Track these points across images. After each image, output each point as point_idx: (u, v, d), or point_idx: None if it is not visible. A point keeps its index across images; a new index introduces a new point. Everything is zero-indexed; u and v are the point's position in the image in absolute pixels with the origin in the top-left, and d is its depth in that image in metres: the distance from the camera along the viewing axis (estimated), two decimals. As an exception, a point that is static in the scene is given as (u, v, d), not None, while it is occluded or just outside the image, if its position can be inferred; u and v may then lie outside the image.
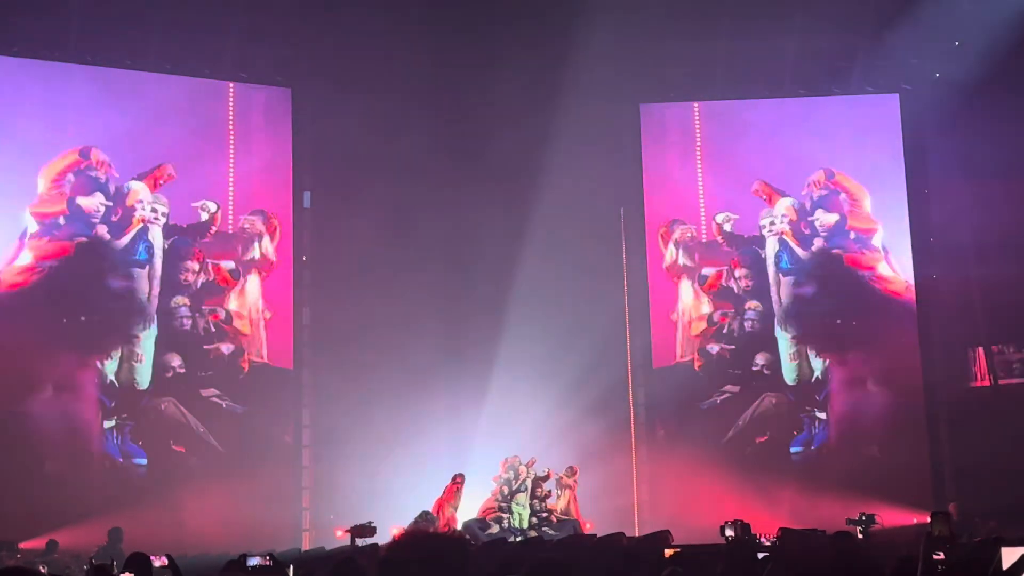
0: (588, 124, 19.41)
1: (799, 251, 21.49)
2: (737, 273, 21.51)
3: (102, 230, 19.58)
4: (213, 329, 19.99)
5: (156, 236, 19.88)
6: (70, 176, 19.43)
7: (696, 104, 21.15)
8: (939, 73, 20.27)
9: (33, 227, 18.72)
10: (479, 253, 20.06)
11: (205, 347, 19.80)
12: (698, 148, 21.19)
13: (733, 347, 21.14)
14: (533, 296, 19.55)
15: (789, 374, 20.89)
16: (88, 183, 19.43)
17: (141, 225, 19.76)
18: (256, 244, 20.21)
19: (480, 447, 19.29)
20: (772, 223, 21.63)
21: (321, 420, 19.91)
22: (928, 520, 14.40)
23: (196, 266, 20.04)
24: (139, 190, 19.69)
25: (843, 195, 21.58)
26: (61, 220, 19.24)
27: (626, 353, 20.60)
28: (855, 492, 18.31)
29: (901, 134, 20.58)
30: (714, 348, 21.28)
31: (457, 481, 17.93)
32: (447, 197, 20.00)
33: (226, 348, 20.08)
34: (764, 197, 21.78)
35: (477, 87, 19.69)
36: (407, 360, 19.44)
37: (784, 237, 21.56)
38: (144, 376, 19.24)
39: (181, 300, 19.88)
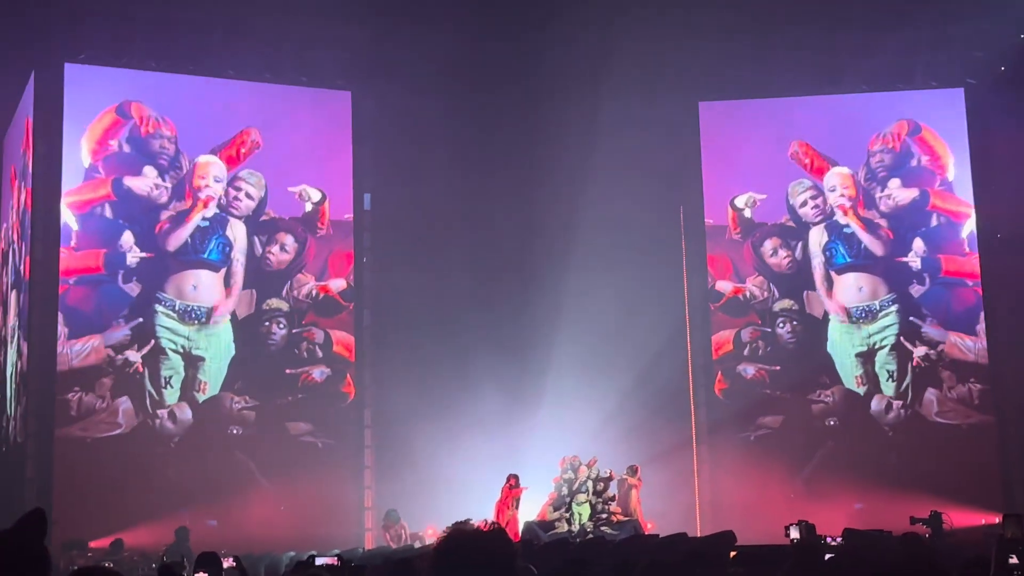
0: (648, 121, 19.38)
1: (864, 237, 18.30)
2: (767, 245, 18.22)
3: (163, 217, 17.35)
4: (320, 353, 18.32)
5: (236, 230, 17.79)
6: (116, 144, 17.43)
7: (755, 101, 20.90)
8: (1004, 67, 19.90)
9: (73, 224, 17.13)
10: (538, 251, 20.09)
11: (288, 371, 18.09)
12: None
13: (778, 367, 18.59)
14: (592, 294, 19.49)
15: (852, 386, 18.87)
16: (135, 158, 17.35)
17: (215, 213, 17.49)
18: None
19: (539, 446, 19.26)
20: (814, 200, 18.71)
21: (382, 420, 20.00)
22: (997, 521, 14.10)
23: (289, 244, 17.56)
24: (209, 164, 17.66)
25: (922, 160, 18.68)
26: (106, 210, 17.25)
27: (687, 352, 20.46)
28: (921, 492, 17.99)
29: (967, 129, 20.19)
30: (748, 370, 18.78)
31: (511, 482, 17.92)
32: (505, 197, 20.04)
33: (319, 372, 18.43)
34: (805, 163, 18.99)
35: (536, 87, 19.70)
36: (467, 360, 19.51)
37: (842, 217, 18.34)
38: (210, 408, 17.79)
39: (277, 303, 17.77)
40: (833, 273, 18.93)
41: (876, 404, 19.02)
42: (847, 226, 18.61)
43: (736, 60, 20.25)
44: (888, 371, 18.60)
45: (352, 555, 15.33)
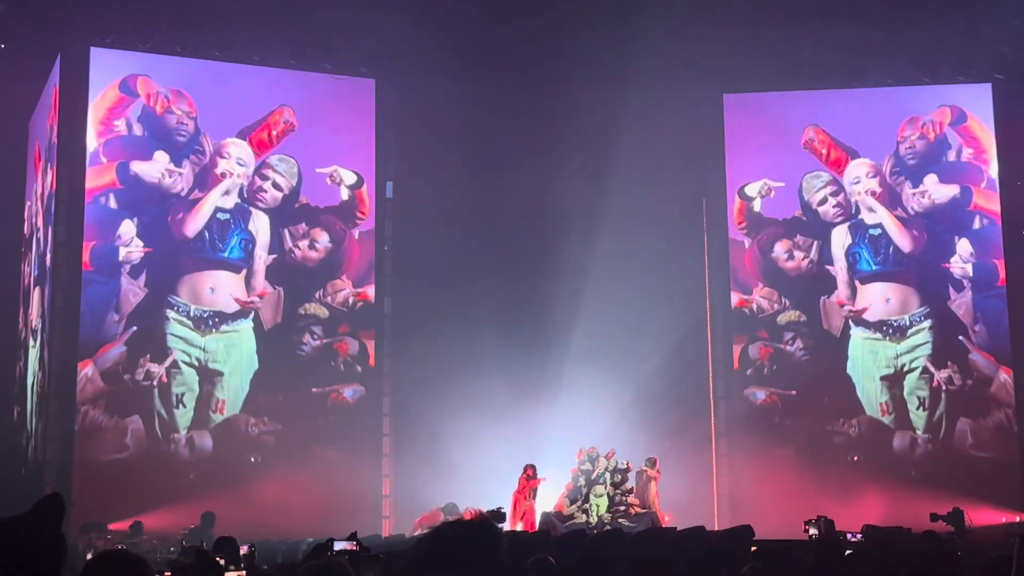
0: (671, 113, 19.31)
1: (896, 238, 16.04)
2: (778, 249, 16.09)
3: (174, 209, 15.29)
4: (359, 368, 16.66)
5: (260, 224, 15.94)
6: (122, 124, 15.54)
7: (779, 94, 20.73)
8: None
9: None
10: (559, 240, 20.07)
11: (315, 389, 16.26)
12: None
13: (793, 392, 16.28)
14: (613, 285, 19.50)
15: (877, 415, 16.62)
16: (146, 141, 15.41)
17: (236, 203, 15.62)
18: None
19: (557, 437, 19.28)
20: (835, 198, 16.71)
21: (401, 409, 20.04)
22: (1019, 520, 13.95)
23: (322, 243, 15.40)
24: (231, 144, 15.89)
25: (963, 153, 16.51)
26: (110, 200, 15.35)
27: (707, 344, 20.39)
28: (940, 489, 17.84)
29: (993, 124, 19.99)
30: (758, 395, 16.88)
31: (528, 473, 17.94)
32: (527, 185, 20.05)
33: (351, 392, 16.73)
34: (821, 152, 17.13)
35: (560, 78, 19.66)
36: (486, 349, 19.52)
37: (868, 215, 16.20)
38: (227, 434, 16.05)
39: (314, 308, 15.85)
40: (857, 281, 16.90)
41: (899, 441, 17.06)
42: (875, 226, 16.55)
43: (761, 52, 20.13)
44: (919, 397, 16.48)
45: (371, 542, 15.39)
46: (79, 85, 18.06)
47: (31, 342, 17.87)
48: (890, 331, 16.09)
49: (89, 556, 12.46)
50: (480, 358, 19.51)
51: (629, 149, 19.24)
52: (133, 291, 15.09)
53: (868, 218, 16.55)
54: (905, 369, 16.41)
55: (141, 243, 15.31)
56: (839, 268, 16.71)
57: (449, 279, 19.52)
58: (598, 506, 17.78)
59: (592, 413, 19.20)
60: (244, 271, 15.65)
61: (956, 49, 19.85)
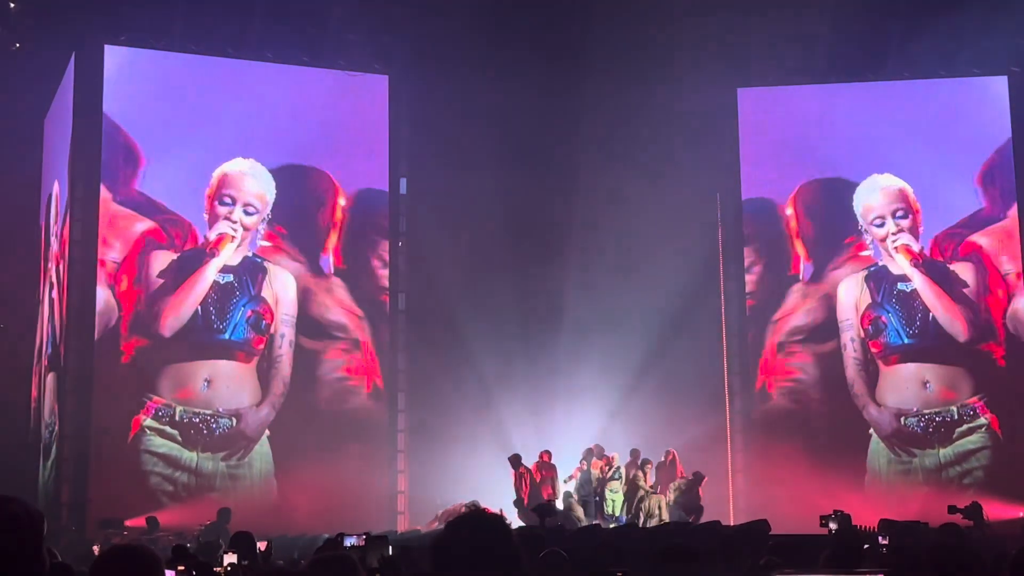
0: (686, 107, 19.27)
1: (930, 299, 10.44)
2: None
3: (154, 264, 10.35)
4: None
5: (280, 283, 10.89)
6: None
7: (796, 88, 20.63)
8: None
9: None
10: (574, 238, 20.07)
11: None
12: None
13: None
14: (628, 283, 19.50)
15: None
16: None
17: (245, 257, 10.64)
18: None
19: (569, 433, 19.30)
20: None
21: (415, 405, 20.08)
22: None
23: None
24: (243, 176, 11.51)
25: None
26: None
27: (722, 338, 20.37)
28: (954, 484, 17.71)
29: (1010, 117, 19.85)
30: None
31: (543, 458, 17.97)
32: (542, 180, 20.06)
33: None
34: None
35: (573, 73, 19.64)
36: (500, 343, 19.56)
37: (893, 263, 10.99)
38: None
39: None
40: (880, 361, 11.96)
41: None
42: (905, 278, 11.40)
43: (775, 47, 20.05)
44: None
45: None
46: (94, 84, 18.03)
47: (43, 447, 14.59)
48: (930, 430, 11.25)
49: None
50: (496, 353, 19.55)
51: (645, 143, 19.26)
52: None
53: (895, 267, 11.56)
54: (953, 483, 11.81)
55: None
56: (849, 339, 11.38)
57: (463, 274, 19.58)
58: (614, 502, 17.79)
59: (606, 406, 19.26)
60: (256, 358, 10.52)
61: (971, 41, 19.72)
